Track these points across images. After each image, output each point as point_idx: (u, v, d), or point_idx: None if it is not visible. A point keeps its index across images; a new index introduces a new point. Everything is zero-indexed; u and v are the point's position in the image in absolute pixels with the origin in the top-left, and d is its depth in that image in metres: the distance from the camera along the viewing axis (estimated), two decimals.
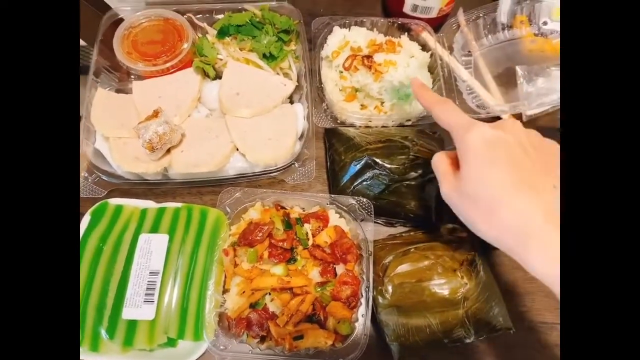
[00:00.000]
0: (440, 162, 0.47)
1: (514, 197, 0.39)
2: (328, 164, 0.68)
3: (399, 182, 0.60)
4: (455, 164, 0.45)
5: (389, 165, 0.60)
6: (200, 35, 0.74)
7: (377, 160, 0.60)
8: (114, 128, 0.63)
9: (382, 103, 0.72)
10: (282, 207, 0.61)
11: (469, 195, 0.42)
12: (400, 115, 0.70)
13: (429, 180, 0.60)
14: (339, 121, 0.70)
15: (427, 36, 0.76)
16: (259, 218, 0.58)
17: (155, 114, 0.61)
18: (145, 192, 0.64)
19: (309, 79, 0.70)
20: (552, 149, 0.44)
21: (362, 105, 0.73)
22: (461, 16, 0.83)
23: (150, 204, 0.63)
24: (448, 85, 0.71)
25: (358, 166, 0.61)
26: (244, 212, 0.60)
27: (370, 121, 0.68)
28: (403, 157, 0.60)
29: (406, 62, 0.69)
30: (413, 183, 0.60)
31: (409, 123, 0.69)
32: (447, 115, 0.47)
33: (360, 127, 0.68)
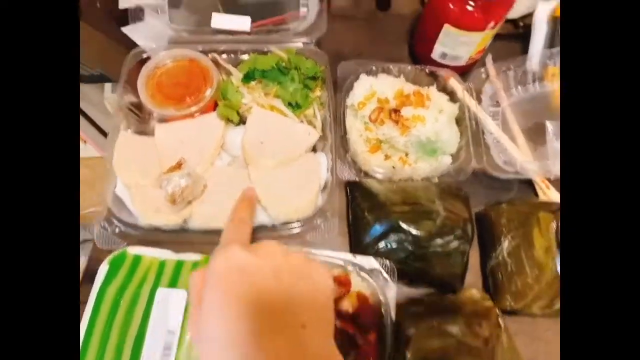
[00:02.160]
0: (192, 285, 0.35)
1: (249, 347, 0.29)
2: (350, 217, 0.66)
3: (425, 249, 0.58)
4: None
5: (415, 232, 0.58)
6: (224, 76, 0.73)
7: (403, 225, 0.59)
8: (136, 175, 0.62)
9: (406, 154, 0.70)
10: None
11: (205, 339, 0.31)
12: (424, 170, 0.69)
13: (456, 247, 0.59)
14: (362, 173, 0.68)
15: (455, 84, 0.75)
16: None
17: (179, 165, 0.60)
18: (164, 240, 0.63)
19: (333, 127, 0.68)
20: (316, 278, 0.35)
21: (386, 155, 0.71)
22: (490, 64, 0.82)
23: (168, 255, 0.62)
24: (475, 139, 0.69)
25: (382, 228, 0.60)
26: None
27: (395, 176, 0.67)
28: (430, 223, 0.58)
29: (435, 117, 0.67)
30: (439, 250, 0.59)
31: (435, 180, 0.67)
32: (226, 228, 0.41)
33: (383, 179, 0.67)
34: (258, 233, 0.63)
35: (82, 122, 1.49)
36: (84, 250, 0.68)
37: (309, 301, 0.33)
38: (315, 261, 0.36)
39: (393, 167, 0.70)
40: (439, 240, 0.58)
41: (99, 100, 1.03)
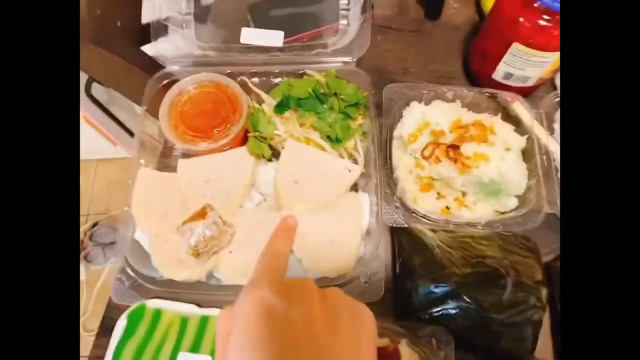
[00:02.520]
0: (219, 329, 0.32)
1: None
2: (397, 270, 0.57)
3: (490, 320, 0.49)
4: None
5: (480, 301, 0.49)
6: (255, 103, 0.65)
7: (466, 293, 0.49)
8: (156, 221, 0.56)
9: (463, 194, 0.60)
10: None
11: None
12: (485, 213, 0.59)
13: (528, 317, 0.49)
14: (411, 214, 0.59)
15: (521, 110, 0.64)
16: None
17: (203, 213, 0.53)
18: (187, 293, 0.56)
19: (378, 162, 0.59)
20: (356, 323, 0.31)
21: (438, 194, 0.61)
22: (559, 81, 0.70)
23: (192, 310, 0.56)
24: (547, 178, 0.58)
25: (439, 291, 0.51)
26: None
27: (450, 220, 0.57)
28: (499, 291, 0.49)
29: (500, 155, 0.57)
30: (507, 321, 0.49)
31: (500, 229, 0.56)
32: (258, 262, 0.35)
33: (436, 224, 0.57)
34: None
35: (113, 125, 1.46)
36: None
37: (348, 352, 0.29)
38: (355, 302, 0.32)
39: (447, 208, 0.61)
40: (508, 312, 0.48)
41: (129, 104, 0.97)
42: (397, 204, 0.58)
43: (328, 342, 0.29)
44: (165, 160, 0.64)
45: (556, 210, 0.57)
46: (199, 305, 0.56)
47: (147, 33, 0.66)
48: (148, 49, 0.67)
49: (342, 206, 0.58)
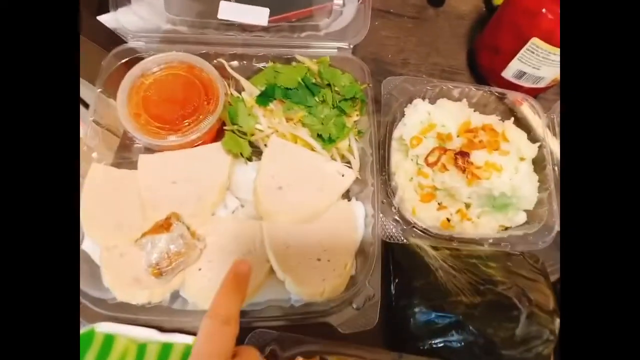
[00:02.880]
0: None
1: None
2: (393, 292, 0.50)
3: (500, 356, 0.43)
4: None
5: (491, 336, 0.42)
6: (233, 91, 0.55)
7: (474, 324, 0.43)
8: (110, 230, 0.46)
9: (467, 206, 0.54)
10: None
11: None
12: (489, 228, 0.53)
13: (539, 353, 0.43)
14: (409, 227, 0.52)
15: (530, 114, 0.58)
16: None
17: (168, 225, 0.43)
18: (145, 317, 0.47)
19: (375, 167, 0.52)
20: None
21: (439, 204, 0.55)
22: None
23: (152, 335, 0.47)
24: (559, 192, 0.53)
25: (442, 321, 0.44)
26: None
27: (451, 234, 0.51)
28: (511, 325, 0.43)
29: (514, 166, 0.50)
30: (519, 357, 0.43)
31: (508, 248, 0.50)
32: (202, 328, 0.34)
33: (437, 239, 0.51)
34: (268, 314, 0.47)
35: None
36: None
37: None
38: None
39: (447, 220, 0.54)
40: (521, 348, 0.43)
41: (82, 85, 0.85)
42: (397, 216, 0.50)
43: None
44: (125, 154, 0.54)
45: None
46: (161, 330, 0.48)
47: (106, 0, 0.55)
48: (106, 19, 0.56)
49: (333, 216, 0.51)
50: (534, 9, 0.51)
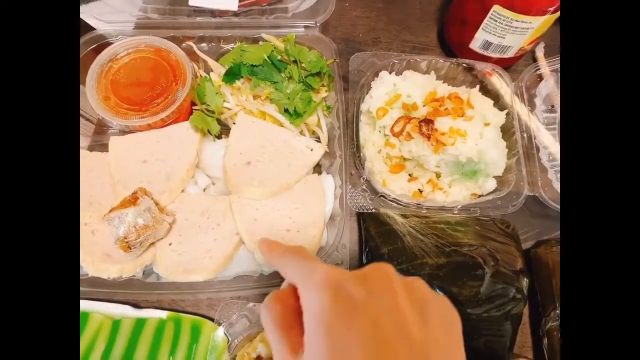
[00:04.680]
0: (272, 329, 0.27)
1: None
2: (364, 261, 0.51)
3: (467, 315, 0.43)
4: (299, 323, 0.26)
5: (456, 295, 0.43)
6: (202, 72, 0.56)
7: (440, 285, 0.43)
8: (82, 209, 0.47)
9: (438, 176, 0.54)
10: None
11: None
12: (461, 197, 0.53)
13: (507, 311, 0.44)
14: (379, 198, 0.52)
15: (499, 84, 0.58)
16: (269, 355, 0.43)
17: (134, 199, 0.44)
18: (118, 293, 0.48)
19: (344, 140, 0.52)
20: (452, 325, 0.26)
21: (410, 176, 0.55)
22: (540, 52, 0.65)
23: (126, 311, 0.48)
24: (528, 158, 0.53)
25: None
26: (249, 339, 0.44)
27: (422, 204, 0.51)
28: (476, 283, 0.43)
29: (479, 131, 0.51)
30: (485, 316, 0.43)
31: (477, 213, 0.51)
32: (293, 265, 0.29)
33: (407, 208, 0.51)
34: (239, 284, 0.47)
35: None
36: None
37: (443, 356, 0.24)
38: (441, 297, 0.27)
39: (419, 191, 0.55)
40: (486, 306, 0.43)
41: None
42: (364, 187, 0.51)
43: (424, 338, 0.24)
44: (99, 138, 0.55)
45: (539, 194, 0.52)
46: (136, 306, 0.48)
47: None
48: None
49: (302, 190, 0.51)
50: None
